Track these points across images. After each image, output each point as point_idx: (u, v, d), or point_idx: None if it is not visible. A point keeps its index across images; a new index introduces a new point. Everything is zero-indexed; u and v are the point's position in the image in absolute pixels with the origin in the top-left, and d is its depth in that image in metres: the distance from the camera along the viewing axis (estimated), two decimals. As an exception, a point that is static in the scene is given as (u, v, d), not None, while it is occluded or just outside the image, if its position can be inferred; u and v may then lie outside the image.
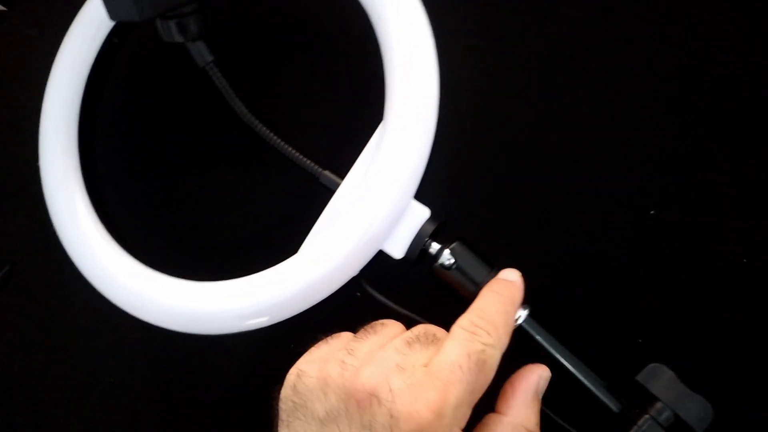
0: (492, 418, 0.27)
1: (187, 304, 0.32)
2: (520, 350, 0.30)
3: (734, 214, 0.36)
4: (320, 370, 0.25)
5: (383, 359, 0.25)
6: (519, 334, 0.31)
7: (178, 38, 0.34)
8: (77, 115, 0.39)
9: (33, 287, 0.47)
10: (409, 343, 0.26)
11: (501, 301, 0.28)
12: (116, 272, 0.35)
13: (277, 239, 0.39)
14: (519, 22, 0.40)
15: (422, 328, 0.27)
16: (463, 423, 0.24)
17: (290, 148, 0.36)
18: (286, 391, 0.26)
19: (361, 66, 0.40)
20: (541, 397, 0.28)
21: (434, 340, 0.26)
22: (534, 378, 0.28)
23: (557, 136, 0.39)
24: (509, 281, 0.29)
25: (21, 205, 0.47)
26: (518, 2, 0.40)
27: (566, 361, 0.30)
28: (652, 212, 0.37)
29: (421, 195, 0.32)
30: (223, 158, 0.43)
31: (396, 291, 0.33)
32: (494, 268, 0.31)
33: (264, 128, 0.36)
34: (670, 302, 0.36)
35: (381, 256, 0.32)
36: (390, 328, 0.27)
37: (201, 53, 0.35)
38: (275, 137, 0.36)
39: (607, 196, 0.37)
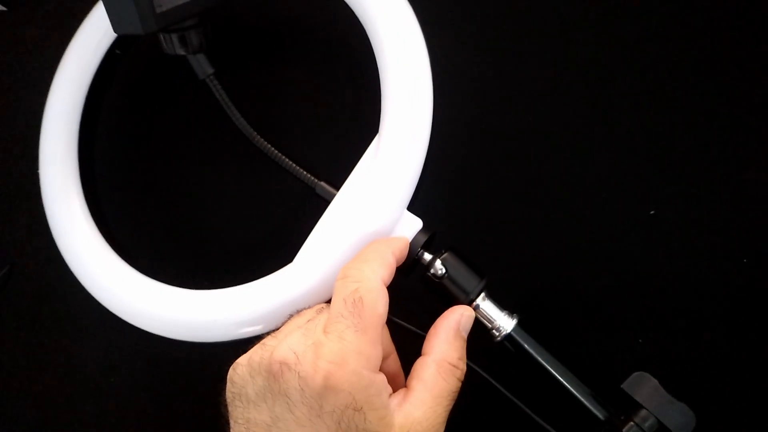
0: (418, 361, 0.28)
1: (183, 313, 0.33)
2: (511, 358, 0.31)
3: (734, 214, 0.36)
4: (248, 357, 0.27)
5: (294, 332, 0.27)
6: (509, 342, 0.31)
7: (180, 51, 0.35)
8: (78, 124, 0.40)
9: (33, 287, 0.47)
10: (318, 311, 0.28)
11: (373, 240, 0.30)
12: (113, 281, 0.35)
13: (273, 248, 0.40)
14: (514, 26, 0.40)
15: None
16: (375, 362, 0.26)
17: (287, 159, 0.36)
18: (227, 385, 0.27)
19: (358, 79, 0.41)
20: (465, 334, 0.29)
21: None
22: (454, 317, 0.29)
23: (556, 138, 0.39)
24: None
25: (21, 205, 0.47)
26: (513, 8, 0.40)
27: (554, 370, 0.31)
28: (652, 212, 0.37)
29: (413, 206, 0.33)
30: (220, 169, 0.43)
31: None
32: (484, 277, 0.32)
33: (262, 140, 0.36)
34: (670, 302, 0.36)
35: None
36: (312, 308, 0.30)
37: (202, 66, 0.36)
38: (272, 148, 0.36)
39: (607, 196, 0.37)
